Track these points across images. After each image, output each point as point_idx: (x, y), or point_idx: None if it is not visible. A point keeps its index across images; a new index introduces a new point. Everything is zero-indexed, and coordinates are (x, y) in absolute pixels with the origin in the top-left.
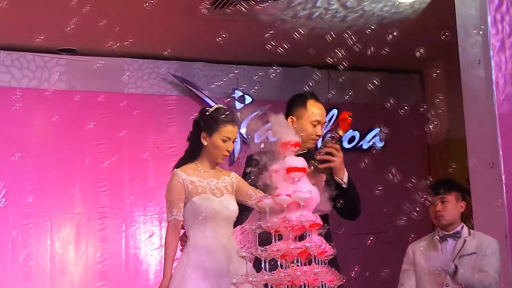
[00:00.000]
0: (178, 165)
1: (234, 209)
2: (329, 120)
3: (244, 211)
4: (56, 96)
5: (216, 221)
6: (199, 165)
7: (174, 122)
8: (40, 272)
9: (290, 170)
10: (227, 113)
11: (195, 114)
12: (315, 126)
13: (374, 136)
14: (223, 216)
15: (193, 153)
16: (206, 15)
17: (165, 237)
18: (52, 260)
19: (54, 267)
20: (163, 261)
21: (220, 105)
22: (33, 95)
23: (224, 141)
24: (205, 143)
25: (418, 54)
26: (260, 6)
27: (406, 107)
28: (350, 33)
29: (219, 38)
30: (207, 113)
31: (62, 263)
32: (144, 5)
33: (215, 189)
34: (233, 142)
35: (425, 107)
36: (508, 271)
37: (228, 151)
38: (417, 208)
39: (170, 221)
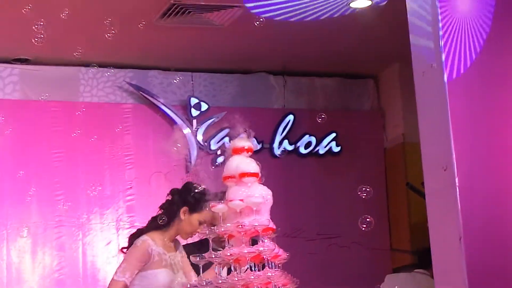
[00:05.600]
0: (146, 230)
1: (185, 285)
2: (285, 127)
3: None
4: (11, 106)
5: None
6: (165, 236)
7: (130, 130)
8: None
9: (243, 175)
10: (210, 198)
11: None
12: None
13: (331, 141)
14: None
15: (170, 221)
16: (160, 24)
17: None
18: (8, 270)
19: (10, 276)
20: None
21: (205, 187)
22: None
23: (200, 223)
24: (182, 217)
25: None
26: (213, 13)
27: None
28: (304, 38)
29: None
30: (196, 190)
31: (18, 273)
32: (61, 15)
33: (173, 265)
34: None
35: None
36: (462, 274)
37: (197, 232)
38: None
39: (119, 281)
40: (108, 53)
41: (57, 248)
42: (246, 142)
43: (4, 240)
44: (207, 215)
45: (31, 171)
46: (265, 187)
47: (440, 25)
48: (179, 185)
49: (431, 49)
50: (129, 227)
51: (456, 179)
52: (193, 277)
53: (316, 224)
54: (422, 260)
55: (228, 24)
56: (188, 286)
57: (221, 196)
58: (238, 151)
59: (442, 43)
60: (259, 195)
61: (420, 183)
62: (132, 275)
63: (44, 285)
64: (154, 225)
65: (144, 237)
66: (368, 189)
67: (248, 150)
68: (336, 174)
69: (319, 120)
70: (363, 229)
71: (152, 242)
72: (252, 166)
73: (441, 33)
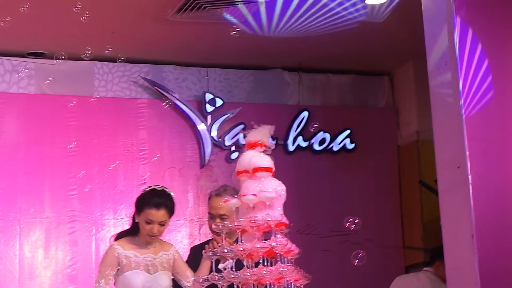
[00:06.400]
0: (119, 237)
1: (165, 285)
2: (299, 123)
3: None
4: (26, 100)
5: None
6: (137, 241)
7: (145, 125)
8: (9, 276)
9: (256, 170)
10: (156, 196)
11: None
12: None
13: (345, 138)
14: None
15: (135, 227)
16: (176, 19)
17: None
18: (21, 264)
19: (23, 271)
20: None
21: (156, 187)
22: (2, 99)
23: (147, 223)
24: (136, 220)
25: None
26: (229, 9)
27: None
28: (320, 35)
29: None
30: (142, 192)
31: (31, 267)
32: (73, 9)
33: (150, 265)
34: (162, 225)
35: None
36: (474, 272)
37: (152, 233)
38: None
39: None
40: (123, 48)
41: (70, 243)
42: (259, 136)
43: (17, 235)
44: (150, 214)
45: (45, 165)
46: (279, 181)
47: (455, 21)
48: (193, 181)
49: (446, 46)
50: None
51: (470, 177)
52: (190, 277)
53: (329, 221)
54: (432, 258)
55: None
56: (201, 280)
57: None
58: (251, 145)
59: (457, 40)
60: (273, 189)
61: (433, 181)
62: (108, 281)
63: (57, 280)
64: (124, 233)
65: (111, 243)
66: (356, 221)
67: (261, 145)
68: (350, 171)
69: (311, 130)
70: (355, 264)
71: (119, 247)
72: (265, 160)
73: (456, 30)
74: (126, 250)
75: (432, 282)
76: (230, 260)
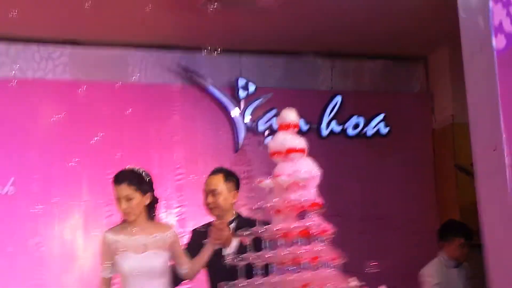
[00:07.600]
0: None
1: (155, 264)
2: (333, 108)
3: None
4: (61, 87)
5: (138, 278)
6: (128, 224)
7: (178, 111)
8: (52, 258)
9: (290, 151)
10: (118, 174)
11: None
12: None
13: (379, 123)
14: (144, 272)
15: None
16: (208, 5)
17: None
18: (62, 247)
19: (64, 253)
20: None
21: (127, 167)
22: (38, 86)
23: (117, 200)
24: None
25: None
26: None
27: None
28: (353, 20)
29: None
30: None
31: (72, 250)
32: None
33: (140, 246)
34: (129, 200)
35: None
36: None
37: (122, 208)
38: None
39: (101, 276)
40: (157, 35)
41: (108, 225)
42: (292, 118)
43: (57, 219)
44: (114, 190)
45: (81, 151)
46: (312, 162)
47: (491, 5)
48: (227, 166)
49: (481, 30)
50: (178, 206)
51: (506, 159)
52: (184, 264)
53: (363, 206)
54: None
55: (276, 6)
56: (239, 260)
57: None
58: (284, 127)
59: (492, 24)
60: (306, 170)
61: (469, 165)
62: (104, 268)
63: (96, 261)
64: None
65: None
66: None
67: (294, 126)
68: (384, 155)
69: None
70: None
71: (108, 233)
72: (298, 141)
73: (491, 14)
74: (116, 235)
75: (441, 265)
76: (235, 243)
